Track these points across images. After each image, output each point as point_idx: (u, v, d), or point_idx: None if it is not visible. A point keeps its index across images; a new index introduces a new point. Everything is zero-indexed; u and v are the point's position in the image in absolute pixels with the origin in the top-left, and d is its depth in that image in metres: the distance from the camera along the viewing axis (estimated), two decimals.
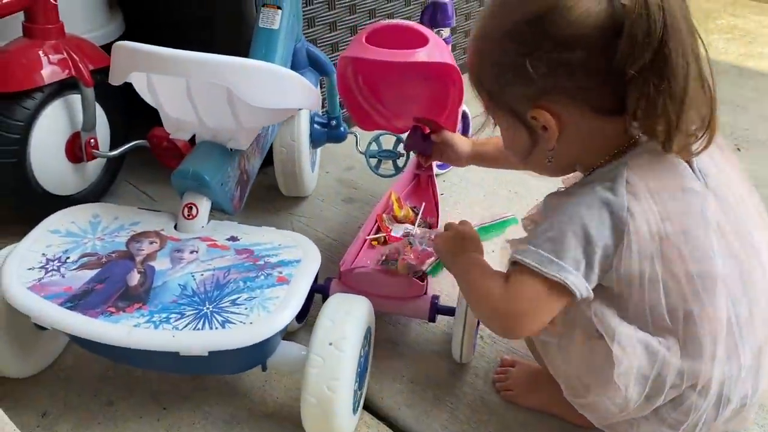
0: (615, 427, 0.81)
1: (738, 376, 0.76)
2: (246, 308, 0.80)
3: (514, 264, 0.75)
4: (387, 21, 0.98)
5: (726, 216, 0.75)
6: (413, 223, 1.22)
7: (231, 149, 0.97)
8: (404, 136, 1.17)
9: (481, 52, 0.76)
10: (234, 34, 1.30)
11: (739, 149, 1.56)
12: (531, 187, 1.41)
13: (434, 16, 1.24)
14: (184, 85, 0.89)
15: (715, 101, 0.72)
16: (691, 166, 0.75)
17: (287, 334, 1.04)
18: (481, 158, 1.10)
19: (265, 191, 1.40)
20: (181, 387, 0.99)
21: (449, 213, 1.36)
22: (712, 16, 2.46)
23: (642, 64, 0.67)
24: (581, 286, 0.72)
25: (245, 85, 0.83)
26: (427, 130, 1.11)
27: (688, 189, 0.74)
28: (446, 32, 1.25)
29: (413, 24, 0.97)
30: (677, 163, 0.74)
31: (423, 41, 0.93)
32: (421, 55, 0.91)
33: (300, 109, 0.98)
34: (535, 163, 0.81)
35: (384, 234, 1.18)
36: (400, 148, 1.35)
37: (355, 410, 0.89)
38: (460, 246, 0.88)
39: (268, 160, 1.31)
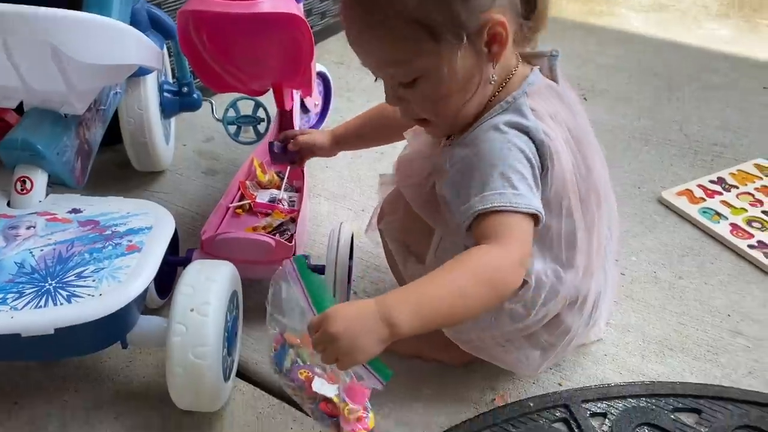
0: (489, 351, 0.83)
1: (605, 287, 0.81)
2: (94, 280, 0.75)
3: (480, 217, 0.69)
4: None
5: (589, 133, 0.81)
6: (279, 188, 1.19)
7: (65, 115, 0.89)
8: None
9: None
10: None
11: (585, 99, 1.65)
12: (397, 146, 1.42)
13: None
14: (0, 43, 0.80)
15: None
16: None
17: (150, 311, 0.99)
18: (346, 142, 1.06)
19: (118, 169, 1.31)
20: (35, 377, 0.91)
21: (317, 177, 1.34)
22: None
23: None
24: (542, 209, 0.71)
25: (70, 40, 0.76)
26: (284, 142, 1.07)
27: (573, 110, 0.78)
28: None
29: None
30: (554, 86, 0.78)
31: None
32: (264, 5, 0.87)
33: (139, 67, 0.91)
34: (461, 97, 0.74)
35: (248, 201, 1.15)
36: (260, 113, 1.31)
37: (226, 377, 0.85)
38: (372, 320, 0.62)
39: (118, 137, 1.23)
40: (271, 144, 1.07)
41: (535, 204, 0.70)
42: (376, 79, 0.77)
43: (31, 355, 0.77)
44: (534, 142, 0.72)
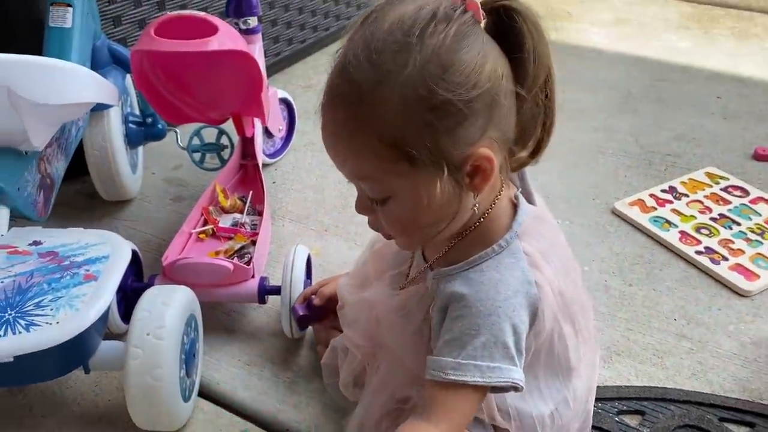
0: None
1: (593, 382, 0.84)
2: (51, 309, 0.78)
3: (444, 383, 0.68)
4: (176, 12, 0.98)
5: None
6: (242, 212, 1.23)
7: (26, 152, 0.93)
8: (227, 126, 1.17)
9: (388, 115, 0.62)
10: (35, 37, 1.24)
11: None
12: None
13: (239, 7, 1.25)
14: None
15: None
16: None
17: (115, 336, 1.02)
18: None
19: (86, 199, 1.35)
20: (2, 404, 0.94)
21: (282, 200, 1.39)
22: None
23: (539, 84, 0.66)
24: (521, 378, 0.69)
25: (24, 82, 0.80)
26: (306, 302, 1.00)
27: (554, 230, 0.76)
28: (254, 21, 1.27)
29: (202, 14, 0.98)
30: (538, 213, 0.75)
31: (214, 30, 0.94)
32: (213, 43, 0.92)
33: (95, 104, 0.96)
34: (434, 225, 0.69)
35: (211, 226, 1.19)
36: (223, 140, 1.36)
37: (186, 398, 0.89)
38: None
39: (85, 168, 1.27)
40: (294, 310, 0.99)
41: (512, 375, 0.68)
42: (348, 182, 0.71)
43: None
44: (527, 300, 0.69)
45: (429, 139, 0.62)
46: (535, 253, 0.71)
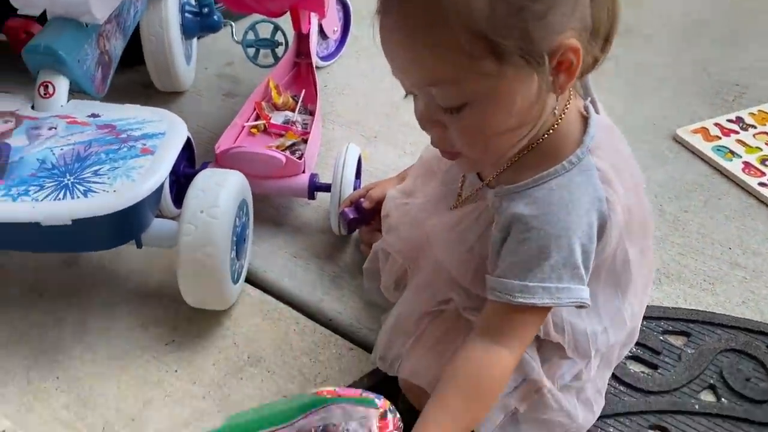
0: None
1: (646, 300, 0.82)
2: (109, 177, 0.79)
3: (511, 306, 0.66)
4: None
5: None
6: (293, 110, 1.22)
7: (86, 24, 0.92)
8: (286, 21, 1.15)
9: (476, 1, 0.56)
10: None
11: None
12: None
13: None
14: None
15: None
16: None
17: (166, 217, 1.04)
18: None
19: (141, 88, 1.35)
20: (57, 274, 0.98)
21: (332, 104, 1.37)
22: None
23: None
24: (588, 294, 0.67)
25: None
26: (355, 204, 0.98)
27: (624, 141, 0.72)
28: None
29: None
30: (606, 124, 0.71)
31: None
32: None
33: None
34: (514, 134, 0.65)
35: (263, 121, 1.18)
36: (278, 36, 1.33)
37: (235, 280, 0.90)
38: None
39: (142, 58, 1.26)
40: (343, 213, 0.98)
41: (581, 294, 0.66)
42: (405, 95, 0.65)
43: (51, 245, 0.82)
44: (597, 219, 0.65)
45: (519, 27, 0.56)
46: (608, 169, 0.67)
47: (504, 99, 0.60)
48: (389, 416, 0.65)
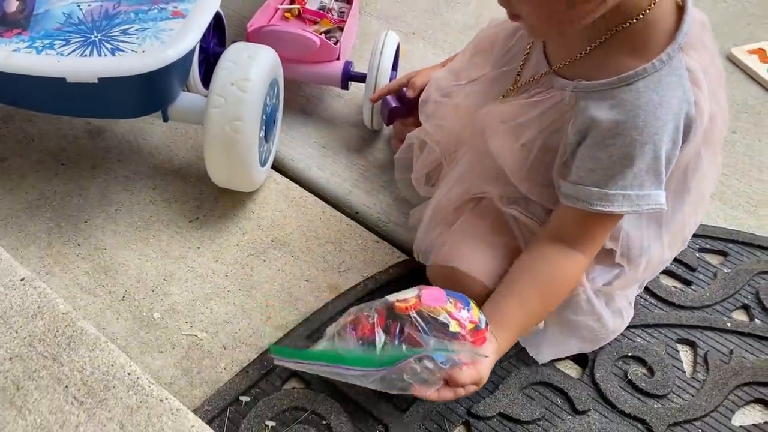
0: None
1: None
2: (138, 38, 0.75)
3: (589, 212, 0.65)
4: None
5: None
6: None
7: None
8: None
9: None
10: None
11: None
12: None
13: None
14: None
15: None
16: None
17: None
18: None
19: None
20: (81, 144, 0.95)
21: None
22: None
23: None
24: (664, 200, 0.65)
25: None
26: (397, 93, 0.92)
27: (712, 47, 0.66)
28: None
29: None
30: (700, 19, 0.65)
31: None
32: None
33: None
34: (574, 20, 0.60)
35: (298, 6, 1.12)
36: None
37: (263, 162, 0.87)
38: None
39: None
40: (385, 101, 0.92)
41: (659, 200, 0.64)
42: None
43: (76, 107, 0.79)
44: (684, 122, 0.62)
45: None
46: (698, 70, 0.62)
47: None
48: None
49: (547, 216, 0.72)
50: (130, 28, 0.76)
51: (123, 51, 0.74)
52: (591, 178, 0.63)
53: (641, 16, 0.61)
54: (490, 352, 0.65)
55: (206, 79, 0.99)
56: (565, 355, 0.76)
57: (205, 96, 0.81)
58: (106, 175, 0.91)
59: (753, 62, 1.21)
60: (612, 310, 0.75)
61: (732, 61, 1.22)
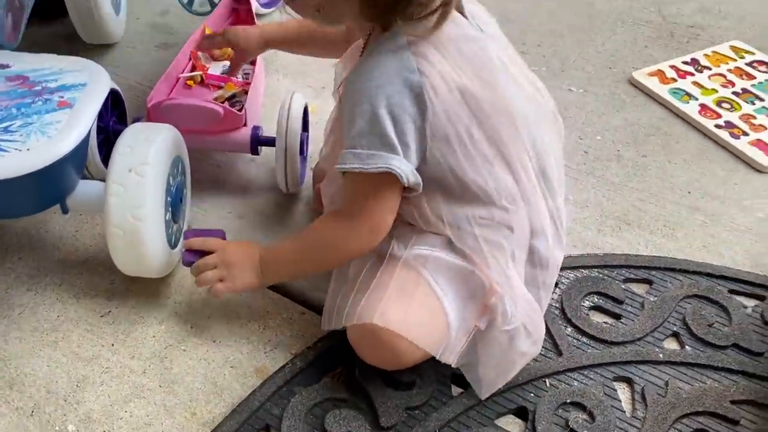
0: None
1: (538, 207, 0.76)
2: (21, 135, 0.71)
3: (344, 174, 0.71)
4: None
5: (507, 55, 0.75)
6: None
7: None
8: None
9: None
10: None
11: None
12: None
13: None
14: None
15: None
16: (463, 15, 0.72)
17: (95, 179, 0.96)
18: (278, 41, 0.99)
19: (64, 42, 1.24)
20: None
21: (277, 53, 1.27)
22: None
23: None
24: (406, 169, 0.67)
25: None
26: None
27: (470, 36, 0.70)
28: None
29: None
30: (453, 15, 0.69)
31: None
32: None
33: None
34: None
35: (200, 72, 1.09)
36: None
37: (173, 245, 0.83)
38: (252, 266, 0.77)
39: (64, 9, 1.15)
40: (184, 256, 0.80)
41: (390, 162, 0.67)
42: None
43: None
44: (407, 87, 0.66)
45: None
46: (422, 43, 0.67)
47: None
48: None
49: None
50: (11, 125, 0.72)
51: (5, 151, 0.69)
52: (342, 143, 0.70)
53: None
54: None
55: (107, 158, 0.95)
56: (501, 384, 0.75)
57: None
58: (6, 276, 0.86)
59: (654, 84, 1.25)
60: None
61: (634, 85, 1.26)
